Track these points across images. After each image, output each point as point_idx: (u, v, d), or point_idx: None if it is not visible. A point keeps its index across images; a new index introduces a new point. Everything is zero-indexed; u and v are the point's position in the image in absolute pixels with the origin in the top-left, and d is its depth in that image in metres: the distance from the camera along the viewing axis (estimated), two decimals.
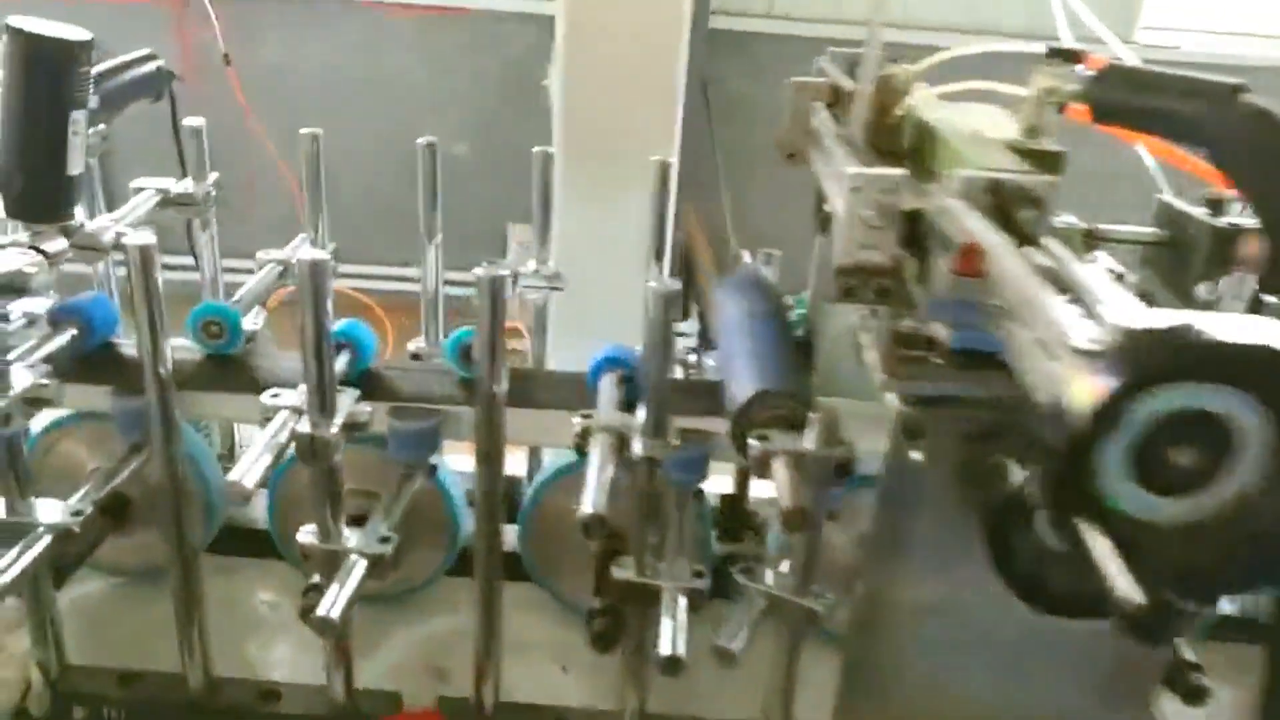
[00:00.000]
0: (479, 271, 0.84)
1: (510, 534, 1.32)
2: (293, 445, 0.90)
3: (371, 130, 3.67)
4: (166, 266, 0.89)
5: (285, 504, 1.19)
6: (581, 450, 0.92)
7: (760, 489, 1.45)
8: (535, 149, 1.23)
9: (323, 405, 0.89)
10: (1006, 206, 0.73)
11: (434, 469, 1.11)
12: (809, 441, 0.87)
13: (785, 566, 1.03)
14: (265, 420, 0.92)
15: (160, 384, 0.93)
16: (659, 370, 0.86)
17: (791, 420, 0.91)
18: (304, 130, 1.24)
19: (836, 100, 1.19)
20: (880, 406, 1.07)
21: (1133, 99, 0.80)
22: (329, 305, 0.86)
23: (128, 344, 1.11)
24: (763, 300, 1.13)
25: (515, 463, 1.45)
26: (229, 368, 1.09)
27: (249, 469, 0.82)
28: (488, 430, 0.92)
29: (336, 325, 1.08)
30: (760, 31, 3.67)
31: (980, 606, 0.90)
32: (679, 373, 1.33)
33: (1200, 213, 0.97)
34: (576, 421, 0.93)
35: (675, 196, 1.32)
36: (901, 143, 1.00)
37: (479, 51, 3.68)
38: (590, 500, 0.80)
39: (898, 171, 0.75)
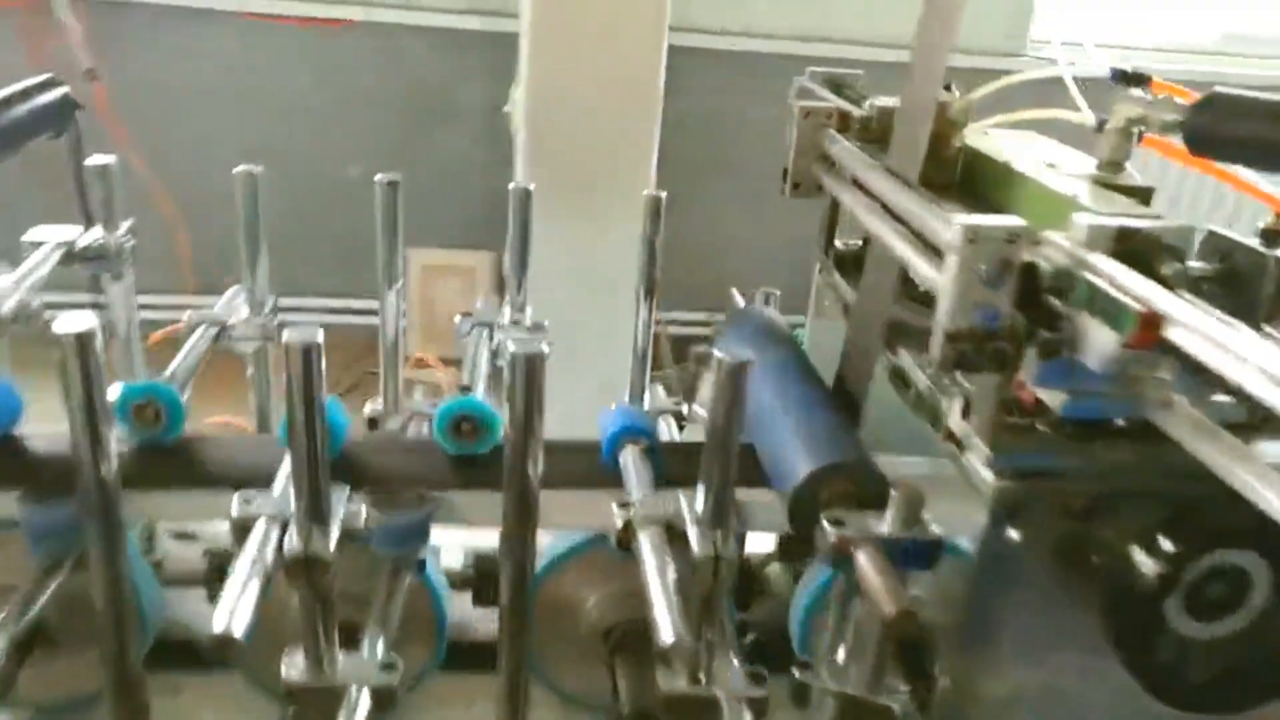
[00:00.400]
0: (511, 346, 0.70)
1: (493, 619, 1.17)
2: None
3: (255, 151, 3.41)
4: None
5: None
6: (624, 545, 0.79)
7: (757, 543, 1.34)
8: (512, 185, 1.09)
9: (316, 512, 0.73)
10: (1146, 258, 0.64)
11: (423, 563, 0.96)
12: (891, 523, 0.77)
13: (840, 655, 0.92)
14: (239, 531, 0.75)
15: (103, 489, 0.75)
16: (724, 452, 0.73)
17: (863, 497, 0.80)
18: (239, 168, 1.07)
19: (845, 126, 1.10)
20: (934, 464, 0.97)
21: (1247, 130, 0.72)
22: (323, 394, 0.70)
23: (34, 437, 0.92)
24: (785, 349, 1.02)
25: (488, 537, 1.30)
26: (170, 458, 0.91)
27: (235, 612, 0.66)
28: (519, 522, 0.77)
29: None
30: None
31: (1077, 693, 0.82)
32: (664, 430, 1.21)
33: (1255, 244, 0.91)
34: (617, 512, 0.79)
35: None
36: (951, 176, 0.91)
37: (372, 67, 3.47)
38: (669, 626, 0.67)
39: (1017, 220, 0.65)
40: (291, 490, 0.76)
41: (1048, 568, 0.75)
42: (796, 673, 0.86)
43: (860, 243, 1.13)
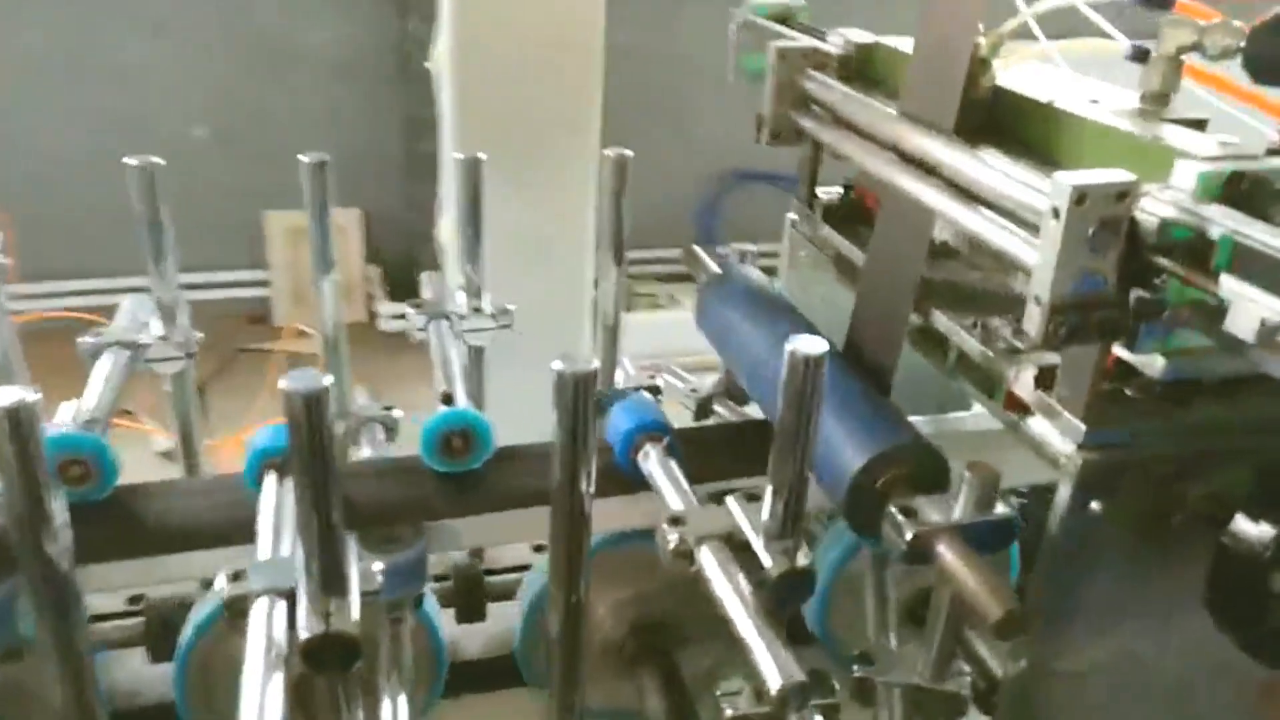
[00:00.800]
0: (557, 366, 0.59)
1: (480, 635, 1.07)
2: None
3: (84, 119, 3.05)
4: None
5: (204, 675, 0.87)
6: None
7: None
8: (458, 155, 0.95)
9: (334, 582, 0.61)
10: (1259, 205, 0.58)
11: (421, 599, 0.84)
12: (964, 507, 0.70)
13: (892, 641, 0.87)
14: (233, 614, 0.62)
15: (55, 575, 0.61)
16: (797, 455, 0.65)
17: (922, 480, 0.74)
18: (131, 160, 0.89)
19: (820, 65, 1.01)
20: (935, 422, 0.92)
21: None
22: (333, 450, 0.57)
23: None
24: (790, 316, 0.94)
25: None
26: (110, 520, 0.76)
27: (262, 712, 0.54)
28: (569, 564, 0.67)
29: (265, 429, 0.78)
30: None
31: (1149, 655, 0.79)
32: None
33: None
34: (669, 531, 0.70)
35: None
36: (979, 120, 0.83)
37: (214, 19, 3.14)
38: (776, 668, 0.59)
39: (1125, 174, 0.58)
40: (292, 554, 0.64)
41: (1135, 537, 0.71)
42: (857, 669, 0.81)
43: (841, 191, 1.05)
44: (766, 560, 0.67)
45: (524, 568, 1.08)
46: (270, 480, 0.74)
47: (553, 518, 0.67)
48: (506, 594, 1.08)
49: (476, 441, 0.82)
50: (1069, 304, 0.60)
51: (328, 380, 0.55)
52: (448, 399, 0.85)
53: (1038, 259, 0.60)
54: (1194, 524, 0.69)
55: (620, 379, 1.13)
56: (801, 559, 0.67)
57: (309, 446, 0.56)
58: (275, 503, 0.73)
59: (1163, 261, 0.60)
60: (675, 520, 0.71)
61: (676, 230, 3.86)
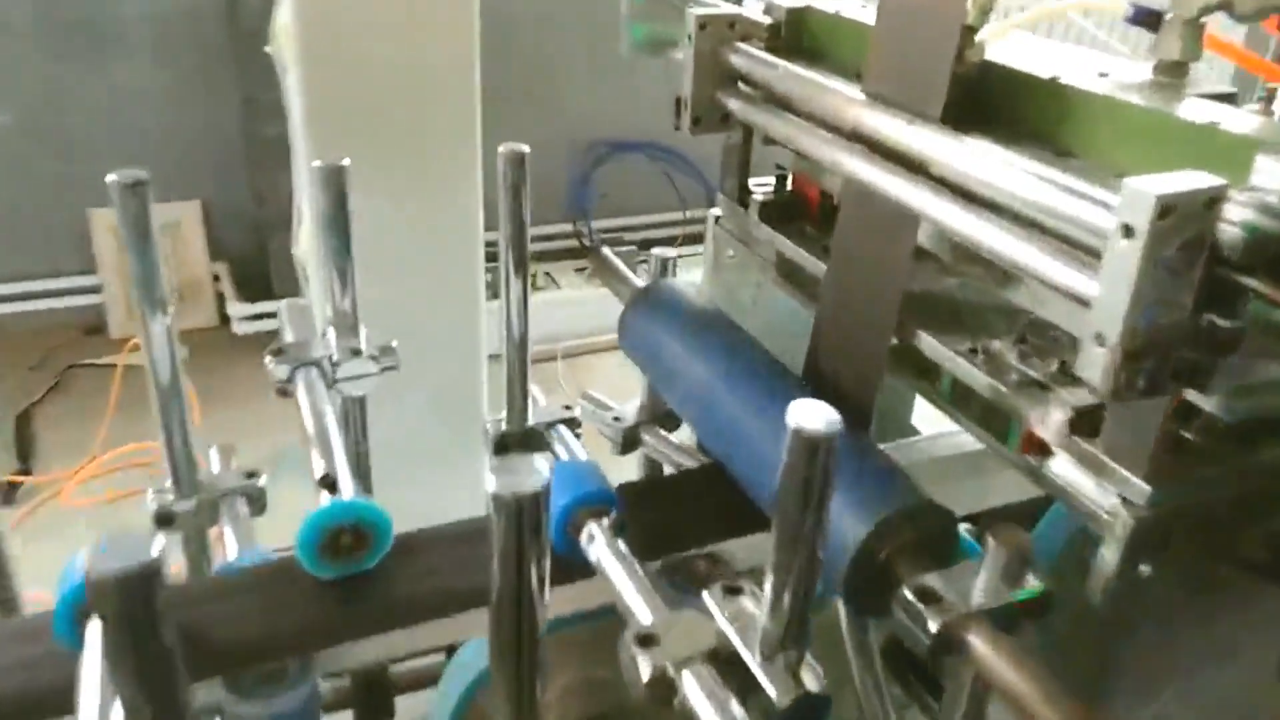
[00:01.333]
0: (494, 489, 0.42)
1: None
2: None
3: None
4: None
5: None
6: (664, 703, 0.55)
7: None
8: (318, 163, 0.76)
9: None
10: None
11: None
12: (991, 582, 0.57)
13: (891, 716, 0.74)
14: None
15: None
16: (806, 549, 0.50)
17: (931, 546, 0.61)
18: None
19: (744, 36, 0.86)
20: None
21: None
22: (171, 646, 0.39)
23: None
24: (746, 345, 0.78)
25: None
26: None
27: None
28: (518, 696, 0.51)
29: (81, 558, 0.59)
30: None
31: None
32: (563, 451, 0.97)
33: None
34: (639, 655, 0.54)
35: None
36: (958, 99, 0.69)
37: None
38: None
39: (1212, 179, 0.45)
40: None
41: (1183, 590, 0.59)
42: None
43: (774, 184, 0.90)
44: (771, 690, 0.52)
45: (438, 650, 0.91)
46: (94, 633, 0.55)
47: (493, 652, 0.51)
48: (417, 683, 0.91)
49: (372, 537, 0.64)
50: (1144, 345, 0.47)
51: (157, 546, 0.37)
52: (329, 484, 0.67)
53: (1101, 289, 0.47)
54: (1247, 573, 0.59)
55: (530, 409, 0.97)
56: (811, 681, 0.53)
57: (135, 647, 0.38)
58: (101, 662, 0.54)
59: (1252, 283, 0.47)
60: (646, 639, 0.55)
61: (549, 204, 3.67)
